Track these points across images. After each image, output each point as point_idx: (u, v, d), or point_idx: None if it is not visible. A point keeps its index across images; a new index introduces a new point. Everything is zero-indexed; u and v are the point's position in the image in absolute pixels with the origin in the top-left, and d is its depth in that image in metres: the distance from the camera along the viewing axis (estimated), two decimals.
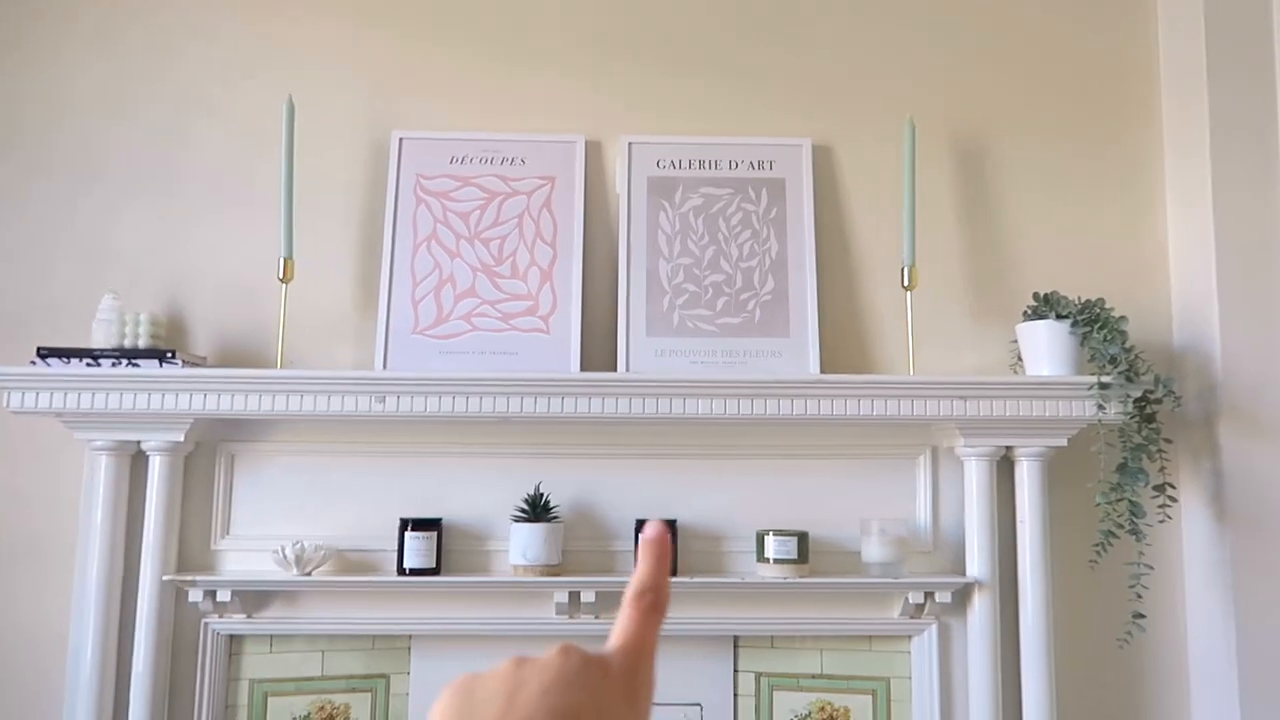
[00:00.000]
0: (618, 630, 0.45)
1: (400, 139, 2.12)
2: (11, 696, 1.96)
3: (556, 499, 1.96)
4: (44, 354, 1.86)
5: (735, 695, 2.00)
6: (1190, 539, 2.04)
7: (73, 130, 2.11)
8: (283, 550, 1.89)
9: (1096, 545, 1.86)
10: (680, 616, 1.97)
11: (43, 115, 2.11)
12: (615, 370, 1.98)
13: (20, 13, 2.14)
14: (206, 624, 1.93)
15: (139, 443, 1.91)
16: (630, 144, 2.13)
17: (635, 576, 0.46)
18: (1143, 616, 1.89)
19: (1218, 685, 1.96)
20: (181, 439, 1.90)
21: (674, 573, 1.91)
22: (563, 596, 1.91)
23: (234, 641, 1.96)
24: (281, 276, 1.98)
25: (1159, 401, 1.90)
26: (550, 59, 2.18)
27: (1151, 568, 1.91)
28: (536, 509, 1.93)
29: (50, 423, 1.96)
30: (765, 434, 2.01)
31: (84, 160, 2.10)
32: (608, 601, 1.95)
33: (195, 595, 1.88)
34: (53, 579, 1.97)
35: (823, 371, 2.00)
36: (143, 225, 2.09)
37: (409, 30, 2.17)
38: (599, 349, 2.04)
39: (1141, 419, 1.90)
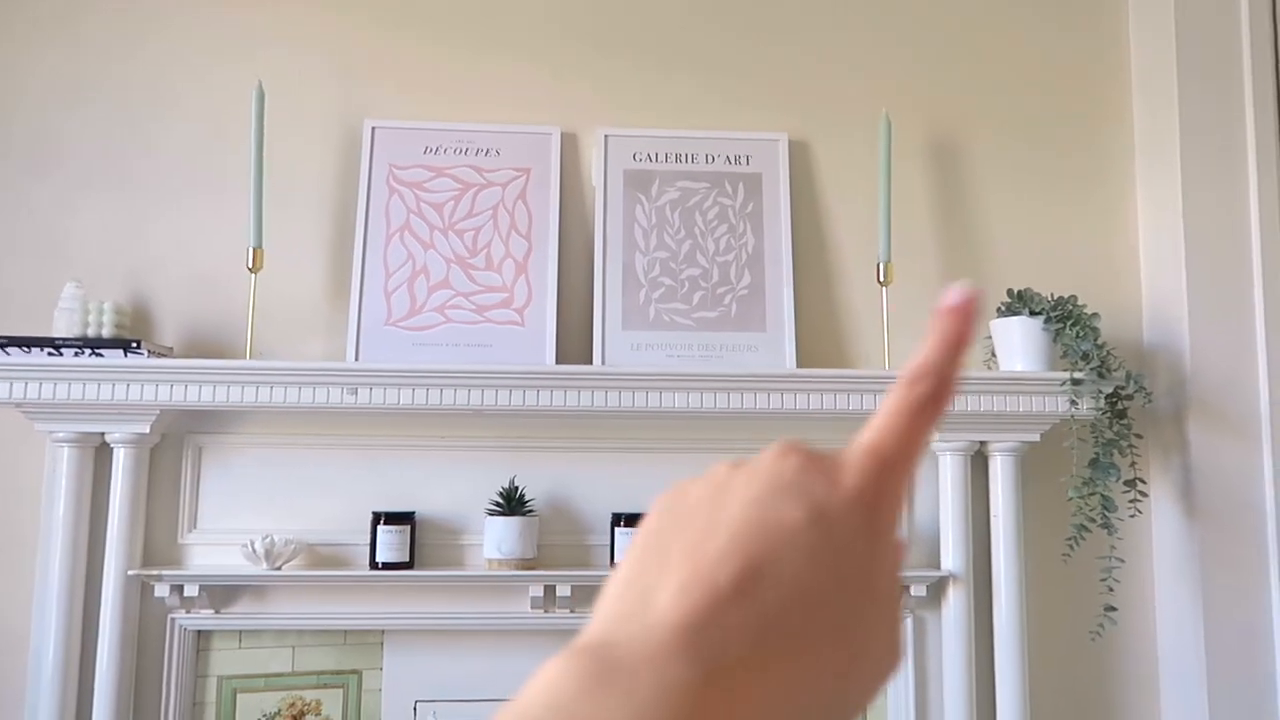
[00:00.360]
0: (872, 424, 0.34)
1: (373, 128, 2.09)
2: None
3: (532, 492, 1.94)
4: (3, 343, 1.81)
5: None
6: (1160, 533, 2.07)
7: (29, 115, 2.05)
8: (252, 544, 1.85)
9: (1069, 539, 1.88)
10: None
11: None
12: (591, 363, 1.97)
13: None
14: (173, 619, 1.89)
15: (103, 434, 1.87)
16: (606, 136, 2.12)
17: (917, 356, 0.35)
18: (1114, 609, 1.91)
19: (1187, 676, 1.98)
20: (147, 431, 1.85)
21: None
22: (538, 591, 1.89)
23: (202, 637, 1.92)
24: (250, 266, 1.94)
25: (1130, 398, 1.92)
26: (526, 49, 2.16)
27: (1123, 561, 1.93)
28: (511, 502, 1.91)
29: (10, 413, 1.90)
30: (742, 428, 2.01)
31: (42, 146, 2.05)
32: (584, 596, 1.93)
33: (162, 590, 1.84)
34: (14, 574, 1.92)
35: (799, 366, 2.00)
36: (105, 213, 2.04)
37: (382, 16, 2.14)
38: (575, 342, 2.02)
39: (1113, 415, 1.92)
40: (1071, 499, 1.90)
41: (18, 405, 1.81)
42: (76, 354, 1.81)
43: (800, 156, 2.16)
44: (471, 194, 2.07)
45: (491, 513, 1.91)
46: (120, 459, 1.87)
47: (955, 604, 1.94)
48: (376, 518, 1.89)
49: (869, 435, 0.34)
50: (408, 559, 1.89)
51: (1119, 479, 1.89)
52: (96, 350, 1.82)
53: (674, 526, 0.32)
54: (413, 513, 1.92)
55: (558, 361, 1.96)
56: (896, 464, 0.33)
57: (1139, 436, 1.97)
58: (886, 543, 0.32)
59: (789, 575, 0.30)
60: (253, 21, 2.12)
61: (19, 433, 1.92)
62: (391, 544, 1.88)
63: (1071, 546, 1.88)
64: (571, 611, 1.93)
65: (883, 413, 0.34)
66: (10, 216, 2.02)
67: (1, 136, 2.04)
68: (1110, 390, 1.90)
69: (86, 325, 1.86)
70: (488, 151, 2.10)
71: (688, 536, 0.32)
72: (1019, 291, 1.98)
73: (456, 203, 2.07)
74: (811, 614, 0.30)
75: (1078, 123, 2.22)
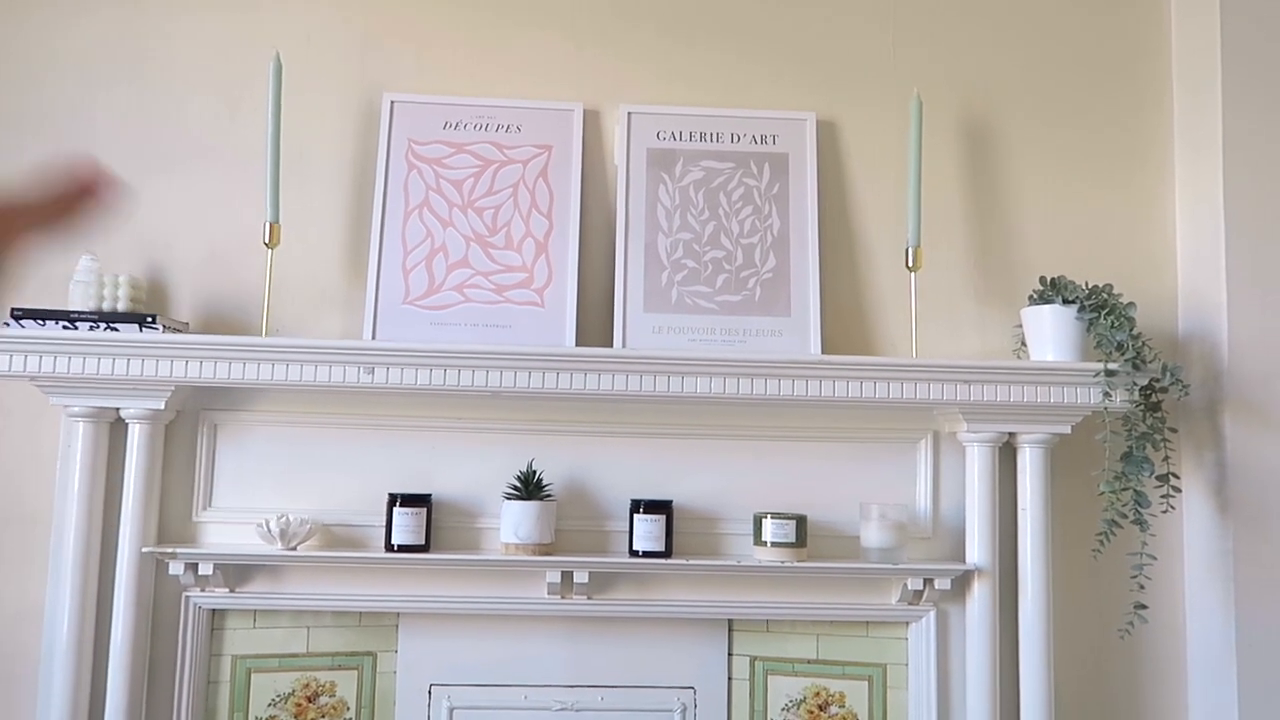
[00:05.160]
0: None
1: (392, 102, 2.05)
2: None
3: (549, 476, 1.91)
4: (18, 315, 1.79)
5: (729, 679, 1.97)
6: (1191, 530, 2.02)
7: (43, 87, 2.02)
8: (267, 523, 1.83)
9: (1100, 535, 1.84)
10: (674, 599, 1.94)
11: (11, 71, 2.02)
12: (611, 346, 1.93)
13: None
14: (188, 598, 1.87)
15: (118, 410, 1.85)
16: (630, 114, 2.07)
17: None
18: (1145, 607, 1.86)
19: (1217, 676, 1.94)
20: (162, 407, 1.83)
21: (668, 551, 1.87)
22: (555, 576, 1.87)
23: (216, 616, 1.91)
24: (267, 241, 1.91)
25: (1165, 390, 1.87)
26: (549, 22, 2.10)
27: (1155, 558, 1.88)
28: (529, 486, 1.88)
29: (26, 386, 1.89)
30: (764, 415, 1.97)
31: (57, 117, 2.01)
32: (601, 582, 1.91)
33: (176, 568, 1.83)
34: (29, 548, 1.91)
35: (824, 352, 1.95)
36: (119, 184, 2.00)
37: None
38: (595, 324, 1.99)
39: (1146, 407, 1.87)
40: (1103, 493, 1.85)
41: (32, 379, 1.79)
42: (91, 328, 1.79)
43: (828, 136, 2.11)
44: (492, 171, 2.03)
45: (509, 496, 1.88)
46: (135, 435, 1.85)
47: (980, 598, 1.90)
48: (392, 499, 1.87)
49: None
50: (424, 541, 1.86)
51: (1152, 474, 1.84)
52: (111, 324, 1.79)
53: None
54: (429, 495, 1.90)
55: (577, 344, 1.93)
56: None
57: (1173, 430, 1.92)
58: None
59: None
60: None
61: (35, 406, 1.91)
62: (407, 526, 1.85)
63: (1102, 542, 1.83)
64: (589, 598, 1.90)
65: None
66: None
67: (19, 107, 2.01)
68: (1145, 382, 1.84)
69: (102, 299, 1.84)
70: (509, 128, 2.06)
71: None
72: (1052, 279, 1.93)
73: (476, 180, 2.03)
74: None
75: (1115, 105, 2.15)
